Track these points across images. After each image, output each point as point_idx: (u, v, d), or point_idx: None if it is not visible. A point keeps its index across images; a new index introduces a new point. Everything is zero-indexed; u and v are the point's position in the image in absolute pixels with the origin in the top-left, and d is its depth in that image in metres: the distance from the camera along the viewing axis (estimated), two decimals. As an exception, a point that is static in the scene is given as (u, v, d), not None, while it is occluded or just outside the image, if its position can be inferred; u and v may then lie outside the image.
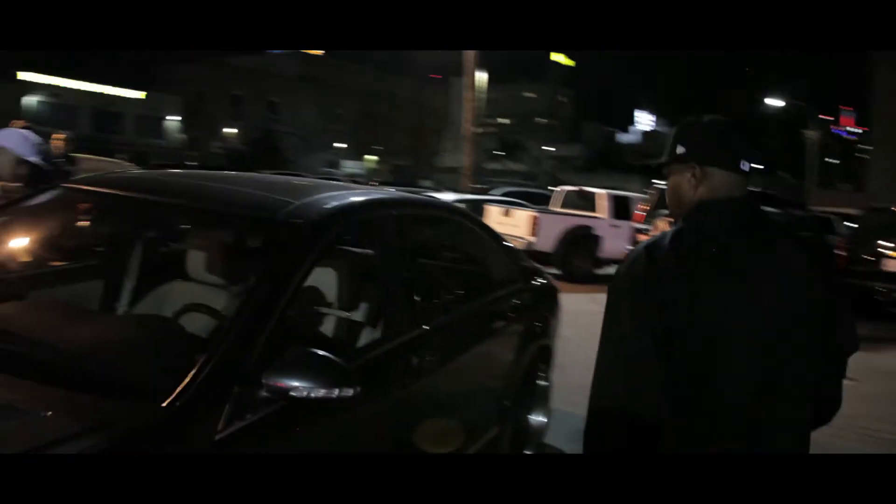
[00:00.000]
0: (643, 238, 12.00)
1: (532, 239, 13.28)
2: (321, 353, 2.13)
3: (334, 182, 3.79)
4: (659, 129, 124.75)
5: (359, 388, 2.12)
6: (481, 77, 43.45)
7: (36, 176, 6.67)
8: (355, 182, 28.75)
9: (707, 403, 1.71)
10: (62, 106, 56.74)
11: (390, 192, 3.57)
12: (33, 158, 3.87)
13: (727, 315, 1.70)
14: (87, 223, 3.45)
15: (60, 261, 3.62)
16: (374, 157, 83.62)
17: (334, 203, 2.84)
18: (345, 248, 3.47)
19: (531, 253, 13.38)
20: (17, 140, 3.89)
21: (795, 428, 1.80)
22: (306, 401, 2.05)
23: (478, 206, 16.16)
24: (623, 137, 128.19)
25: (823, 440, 2.06)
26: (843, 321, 1.85)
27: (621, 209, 14.45)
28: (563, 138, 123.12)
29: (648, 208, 13.15)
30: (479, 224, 4.01)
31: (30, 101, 55.61)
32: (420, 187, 30.09)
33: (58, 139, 10.24)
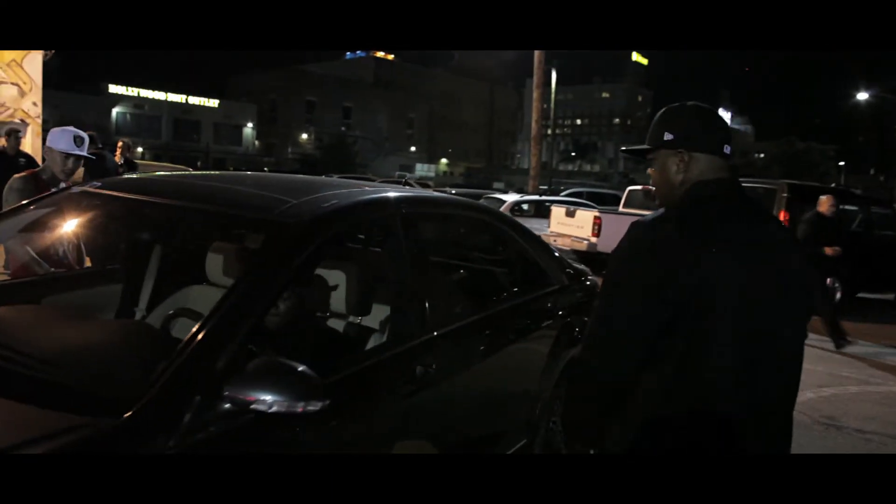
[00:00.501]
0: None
1: (594, 240, 12.88)
2: (289, 363, 1.95)
3: (354, 181, 3.62)
4: (737, 126, 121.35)
5: (327, 402, 1.93)
6: (552, 78, 43.11)
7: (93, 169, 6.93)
8: (424, 185, 28.78)
9: (701, 367, 1.83)
10: (145, 116, 58.86)
11: (406, 190, 3.36)
12: (77, 152, 3.91)
13: (726, 278, 1.82)
14: (98, 226, 3.36)
15: (77, 263, 3.55)
16: (447, 161, 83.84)
17: (332, 202, 2.67)
18: (354, 247, 3.31)
19: (594, 254, 13.10)
20: (62, 139, 3.94)
21: (787, 382, 1.94)
22: (273, 415, 1.89)
23: (542, 207, 15.90)
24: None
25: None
26: (814, 288, 2.03)
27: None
28: (640, 138, 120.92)
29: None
30: (509, 223, 3.75)
31: (117, 112, 57.90)
32: (491, 189, 29.98)
33: (118, 146, 10.51)
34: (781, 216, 11.14)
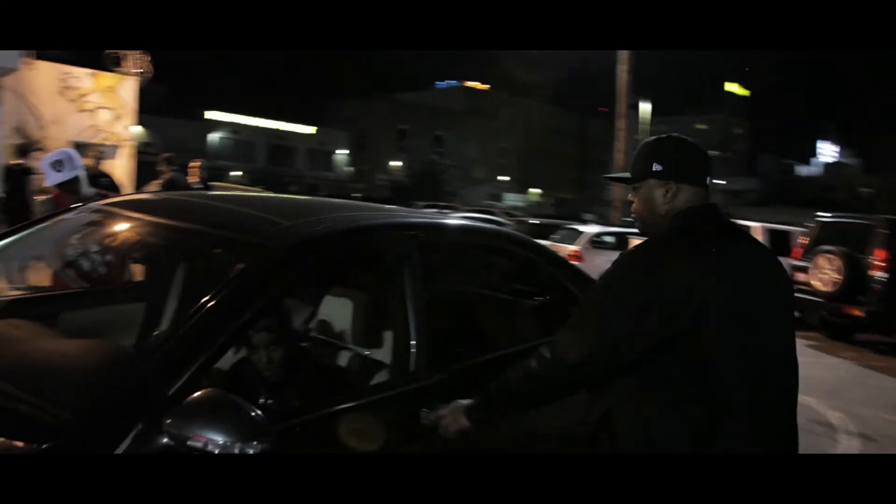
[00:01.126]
0: (800, 276, 10.85)
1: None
2: (234, 399, 1.77)
3: (370, 204, 3.42)
4: (844, 160, 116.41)
5: (267, 446, 1.73)
6: (645, 108, 42.44)
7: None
8: (509, 214, 28.53)
9: (710, 384, 1.94)
10: (241, 142, 60.96)
11: (422, 216, 3.15)
12: (55, 181, 3.91)
13: (721, 296, 1.93)
14: (102, 243, 3.28)
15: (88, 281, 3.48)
16: (538, 190, 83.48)
17: (325, 226, 2.48)
18: (366, 275, 3.10)
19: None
20: (45, 171, 3.96)
21: (789, 387, 2.07)
22: (209, 454, 1.70)
23: (622, 239, 15.38)
24: (803, 170, 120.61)
25: None
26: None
27: (779, 244, 13.13)
28: (737, 171, 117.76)
29: (806, 242, 11.88)
30: (540, 252, 3.46)
31: (213, 137, 60.17)
32: (578, 220, 29.51)
33: (193, 167, 10.71)
34: (880, 253, 10.42)
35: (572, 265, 3.51)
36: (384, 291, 2.80)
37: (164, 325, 3.11)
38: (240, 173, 48.58)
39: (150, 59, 15.30)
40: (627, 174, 2.27)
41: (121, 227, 2.85)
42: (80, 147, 11.73)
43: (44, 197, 4.35)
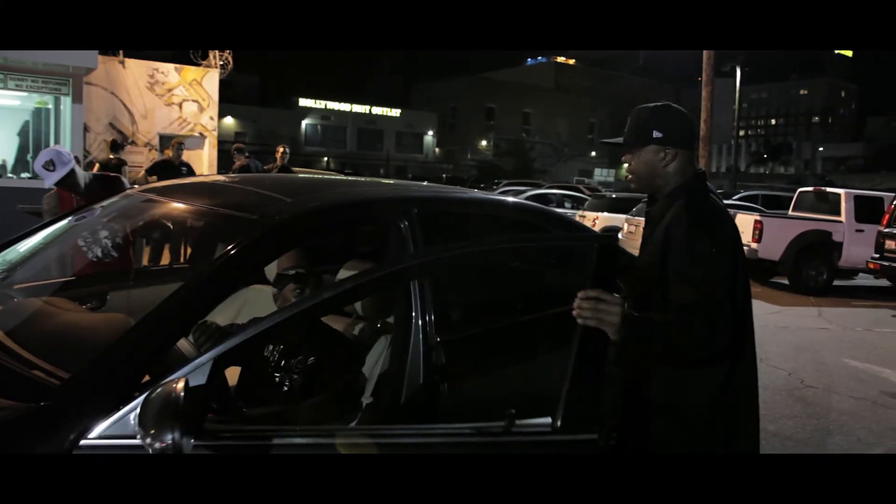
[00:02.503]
0: (891, 244, 10.41)
1: (755, 245, 11.99)
2: (165, 389, 1.73)
3: (382, 181, 3.51)
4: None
5: (191, 444, 1.71)
6: (737, 76, 40.91)
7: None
8: (594, 190, 28.08)
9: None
10: (331, 127, 62.19)
11: (427, 189, 3.23)
12: (48, 183, 4.08)
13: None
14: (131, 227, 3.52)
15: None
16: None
17: (323, 201, 2.61)
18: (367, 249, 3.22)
19: (755, 261, 12.19)
20: (40, 171, 4.13)
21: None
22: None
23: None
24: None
25: None
26: None
27: (869, 211, 12.51)
28: (842, 137, 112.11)
29: (892, 208, 11.31)
30: (553, 221, 3.46)
31: (306, 123, 61.60)
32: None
33: (277, 153, 11.18)
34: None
35: (593, 232, 3.53)
36: (385, 263, 2.91)
37: (256, 303, 3.30)
38: (325, 159, 49.41)
39: (230, 52, 15.84)
40: (619, 140, 2.48)
41: (146, 211, 3.06)
42: (163, 139, 12.39)
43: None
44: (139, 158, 14.49)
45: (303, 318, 2.23)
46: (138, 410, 1.73)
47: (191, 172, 10.17)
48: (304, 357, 2.73)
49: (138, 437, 1.69)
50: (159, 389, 1.73)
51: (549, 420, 2.10)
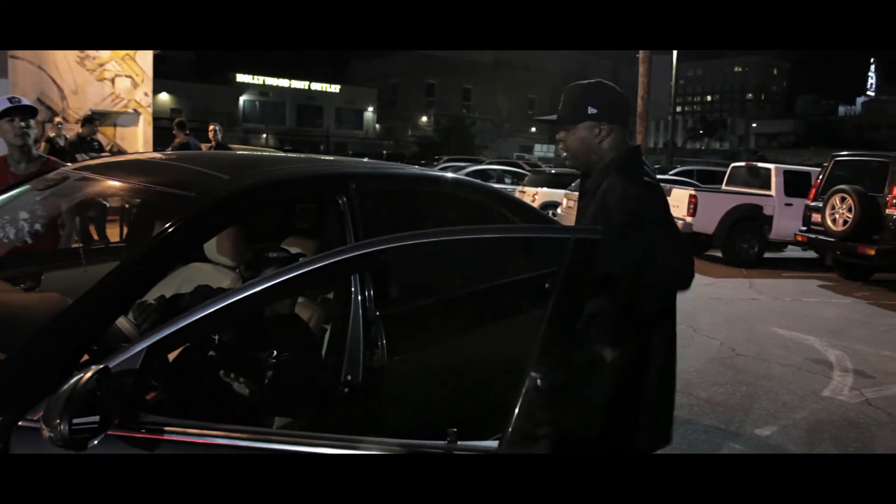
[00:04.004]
0: (815, 217, 10.80)
1: (690, 219, 12.30)
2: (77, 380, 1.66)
3: (325, 157, 3.49)
4: (884, 97, 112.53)
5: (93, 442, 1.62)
6: (673, 53, 41.44)
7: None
8: (534, 166, 28.26)
9: None
10: (270, 103, 61.20)
11: (364, 166, 3.25)
12: (11, 104, 3.79)
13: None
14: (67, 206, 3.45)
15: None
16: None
17: (259, 178, 2.62)
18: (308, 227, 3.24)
19: (690, 235, 12.50)
20: None
21: None
22: None
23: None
24: (848, 110, 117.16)
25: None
26: None
27: (797, 186, 12.90)
28: (774, 114, 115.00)
29: (819, 183, 11.69)
30: (499, 198, 3.53)
31: (244, 100, 60.46)
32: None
33: (209, 132, 10.99)
34: (894, 191, 10.30)
35: (526, 205, 3.61)
36: (325, 240, 2.94)
37: (193, 281, 3.26)
38: (264, 136, 48.65)
39: (164, 25, 15.44)
40: (554, 117, 2.54)
41: (80, 188, 3.01)
42: (95, 115, 12.04)
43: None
44: (71, 135, 14.09)
45: (255, 304, 2.15)
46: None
47: (101, 147, 10.12)
48: (262, 347, 2.70)
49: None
50: (72, 378, 1.65)
51: (495, 444, 1.86)
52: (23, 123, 3.75)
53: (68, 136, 11.00)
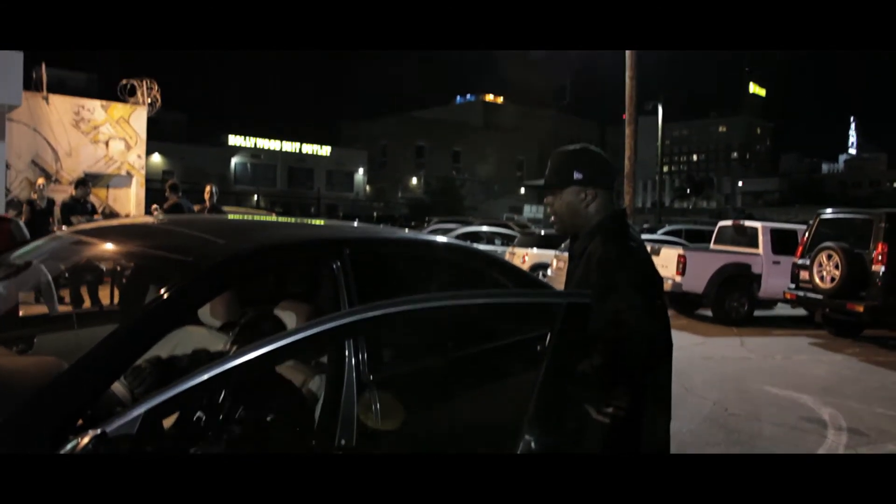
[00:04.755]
0: (803, 274, 10.88)
1: (679, 279, 12.38)
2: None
3: (319, 222, 3.54)
4: (866, 155, 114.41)
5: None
6: (659, 114, 42.34)
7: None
8: (523, 227, 28.43)
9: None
10: (261, 165, 61.70)
11: (359, 230, 3.29)
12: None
13: None
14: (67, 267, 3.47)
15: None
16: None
17: (253, 243, 2.65)
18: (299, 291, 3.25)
19: (679, 294, 12.57)
20: None
21: None
22: None
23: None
24: (831, 168, 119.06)
25: None
26: None
27: (784, 243, 13.05)
28: (759, 172, 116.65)
29: (805, 240, 11.83)
30: (490, 262, 3.57)
31: (236, 161, 60.96)
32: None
33: (206, 192, 11.08)
34: (879, 247, 10.42)
35: (517, 269, 3.64)
36: (318, 304, 2.96)
37: (187, 345, 3.26)
38: (255, 197, 48.89)
39: (158, 89, 15.68)
40: (541, 181, 2.62)
41: (80, 253, 3.03)
42: (88, 177, 12.14)
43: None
44: (64, 196, 14.17)
45: (252, 370, 2.19)
46: None
47: (94, 209, 10.23)
48: (253, 411, 2.69)
49: None
50: (70, 444, 1.71)
51: None
52: None
53: (55, 198, 11.13)
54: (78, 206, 9.69)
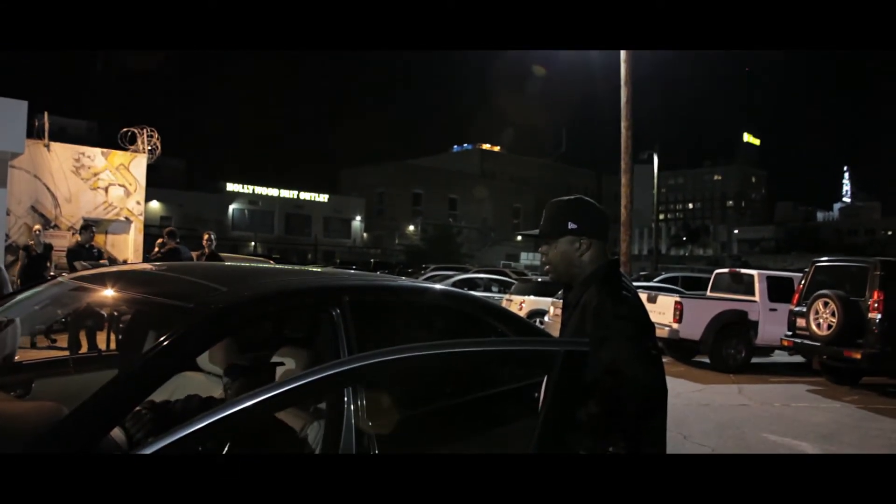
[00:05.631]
0: (800, 321, 10.88)
1: (676, 326, 12.38)
2: None
3: (317, 269, 3.57)
4: (860, 203, 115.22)
5: None
6: (654, 163, 42.76)
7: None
8: (520, 274, 28.51)
9: None
10: (258, 212, 61.97)
11: (357, 278, 3.32)
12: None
13: None
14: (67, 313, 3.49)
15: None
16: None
17: (255, 291, 2.68)
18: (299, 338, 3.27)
19: (676, 341, 12.56)
20: None
21: None
22: None
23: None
24: (826, 215, 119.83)
25: None
26: None
27: (781, 291, 13.09)
28: (755, 220, 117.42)
29: (801, 288, 11.87)
30: (487, 310, 3.60)
31: (234, 208, 61.21)
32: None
33: (204, 239, 11.16)
34: (875, 295, 10.46)
35: (514, 316, 3.66)
36: (318, 351, 2.98)
37: (186, 390, 3.26)
38: (252, 244, 49.00)
39: (158, 137, 15.84)
40: (536, 231, 2.65)
41: (80, 298, 3.05)
42: (87, 223, 12.20)
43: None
44: (63, 242, 14.19)
45: (252, 415, 2.20)
46: None
47: (100, 254, 10.26)
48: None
49: None
50: None
51: None
52: None
53: (52, 244, 11.23)
54: (83, 252, 9.74)
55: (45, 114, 14.61)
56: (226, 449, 2.67)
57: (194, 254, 10.82)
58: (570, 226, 2.52)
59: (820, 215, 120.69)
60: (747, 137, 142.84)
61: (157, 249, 10.88)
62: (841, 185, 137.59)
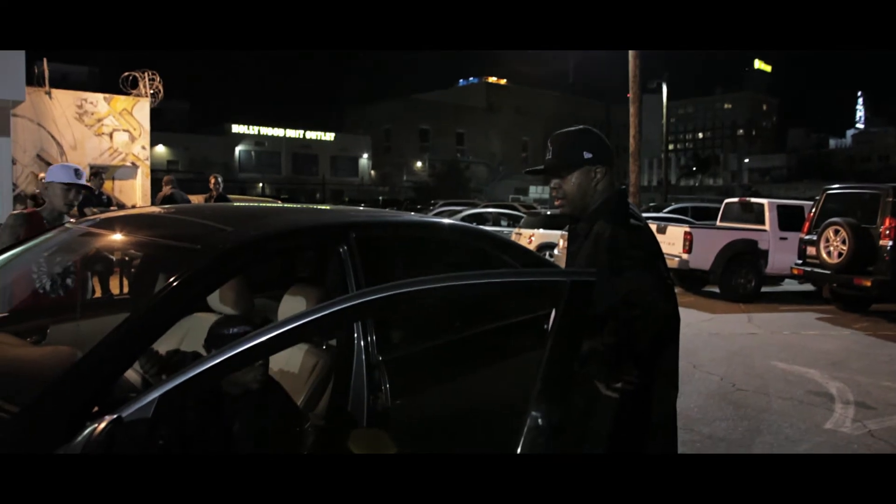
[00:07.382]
0: (810, 250, 10.84)
1: (686, 256, 12.38)
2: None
3: (324, 207, 3.58)
4: (873, 129, 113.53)
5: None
6: (663, 92, 42.15)
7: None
8: (529, 208, 28.42)
9: None
10: (265, 153, 61.70)
11: (364, 214, 3.32)
12: (76, 181, 4.09)
13: None
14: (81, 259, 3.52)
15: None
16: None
17: (262, 230, 2.69)
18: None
19: (686, 272, 12.57)
20: (63, 173, 4.12)
21: None
22: None
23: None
24: (838, 143, 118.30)
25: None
26: None
27: (791, 220, 13.03)
28: (766, 148, 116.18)
29: (812, 216, 11.80)
30: (493, 242, 3.60)
31: (240, 150, 60.97)
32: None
33: (210, 182, 11.16)
34: (887, 222, 10.39)
35: (522, 248, 3.68)
36: (327, 288, 3.00)
37: (198, 332, 3.31)
38: (260, 185, 48.92)
39: (160, 80, 15.69)
40: (540, 165, 2.61)
41: (89, 243, 3.07)
42: (94, 170, 12.22)
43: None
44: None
45: (263, 352, 2.23)
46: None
47: (109, 201, 10.25)
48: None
49: None
50: (87, 429, 1.75)
51: None
52: (77, 198, 4.17)
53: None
54: (93, 198, 9.75)
55: (45, 60, 14.47)
56: (239, 390, 2.71)
57: (202, 197, 10.83)
58: (587, 155, 2.50)
59: (833, 142, 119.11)
60: (758, 64, 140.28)
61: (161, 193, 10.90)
62: (854, 111, 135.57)
